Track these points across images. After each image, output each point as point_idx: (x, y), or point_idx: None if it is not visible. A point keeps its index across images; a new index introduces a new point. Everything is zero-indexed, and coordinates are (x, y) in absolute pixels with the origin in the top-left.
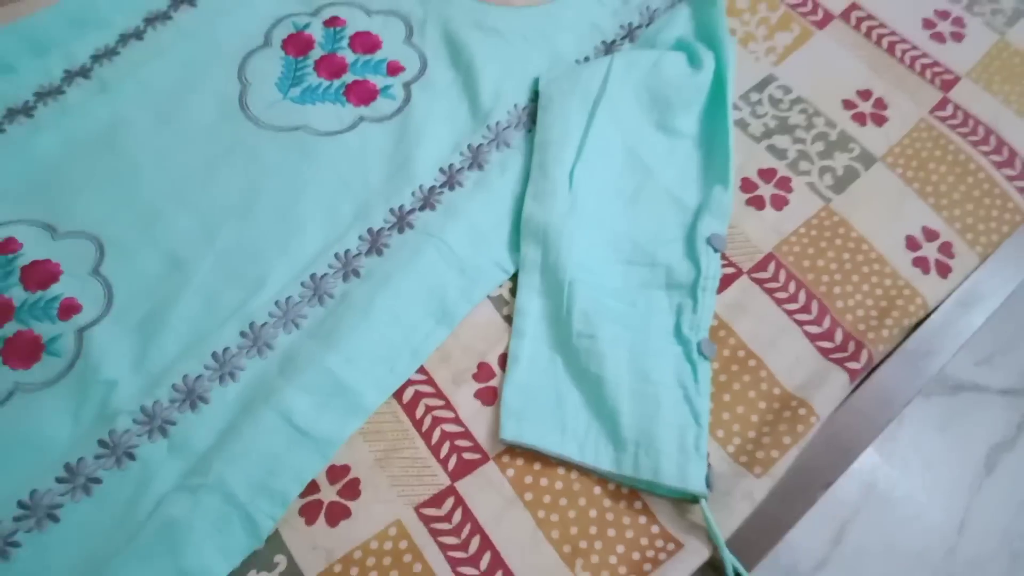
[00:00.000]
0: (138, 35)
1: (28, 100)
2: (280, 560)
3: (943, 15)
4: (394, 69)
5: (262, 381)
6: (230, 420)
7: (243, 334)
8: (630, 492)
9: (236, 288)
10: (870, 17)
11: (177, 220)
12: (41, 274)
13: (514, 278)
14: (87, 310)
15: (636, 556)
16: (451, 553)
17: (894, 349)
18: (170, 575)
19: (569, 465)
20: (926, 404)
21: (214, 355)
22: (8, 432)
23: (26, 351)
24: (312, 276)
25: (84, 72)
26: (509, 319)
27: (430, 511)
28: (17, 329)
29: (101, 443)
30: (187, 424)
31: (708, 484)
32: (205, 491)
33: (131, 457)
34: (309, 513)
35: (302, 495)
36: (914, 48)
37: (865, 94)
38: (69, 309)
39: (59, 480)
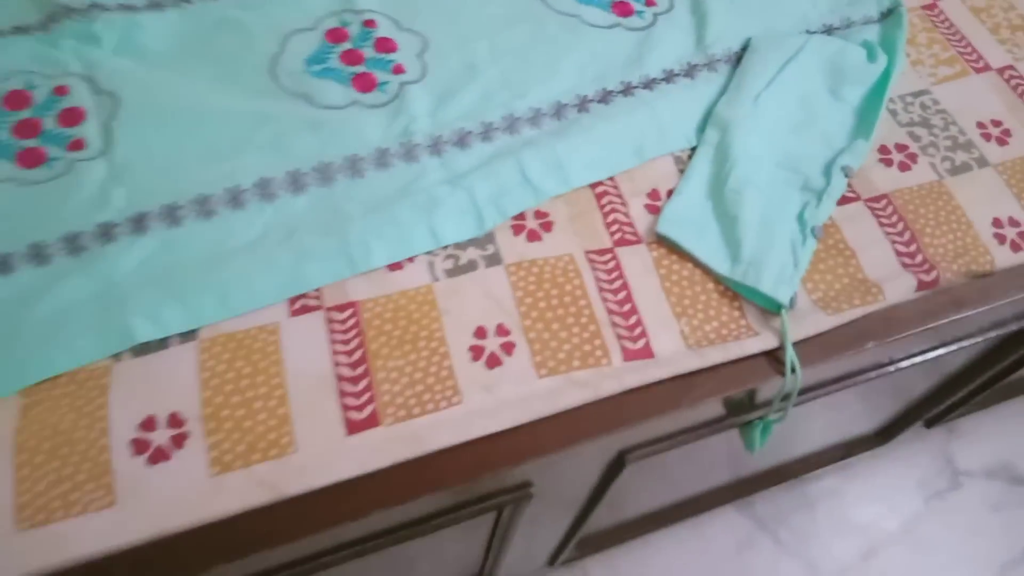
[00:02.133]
0: None
1: None
2: (490, 247)
3: None
4: (650, 2)
5: (510, 147)
6: (483, 160)
7: (504, 118)
8: (733, 293)
9: (505, 93)
10: (1021, 78)
11: (480, 43)
12: (386, 45)
13: (693, 150)
14: (408, 74)
15: (723, 330)
16: (601, 284)
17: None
18: (423, 227)
19: (695, 262)
20: (987, 483)
21: (482, 123)
22: (345, 125)
23: (367, 83)
24: (558, 102)
25: None
26: (682, 171)
27: (594, 257)
28: (364, 70)
29: (401, 144)
30: (455, 154)
31: (791, 304)
32: (458, 190)
33: (415, 160)
34: (516, 229)
35: (515, 217)
36: None
37: (996, 123)
38: (398, 70)
39: (370, 155)
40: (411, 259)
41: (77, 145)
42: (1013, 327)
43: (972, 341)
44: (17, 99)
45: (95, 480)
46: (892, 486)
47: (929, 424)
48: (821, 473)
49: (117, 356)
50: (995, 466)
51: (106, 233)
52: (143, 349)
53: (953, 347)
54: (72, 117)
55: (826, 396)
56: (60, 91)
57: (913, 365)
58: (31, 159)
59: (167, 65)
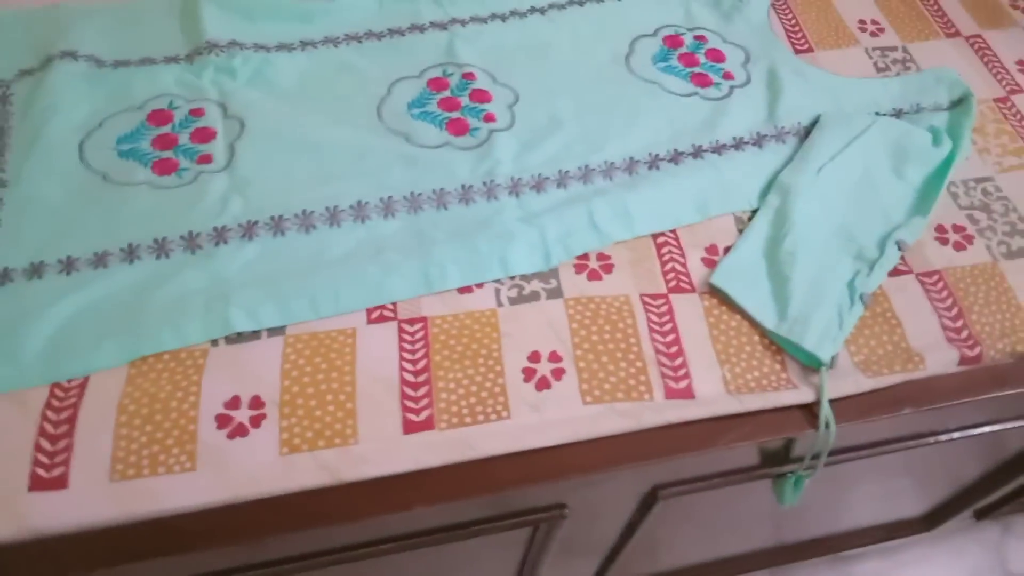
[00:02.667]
0: (580, 3)
1: (505, 13)
2: (553, 281)
3: None
4: (728, 76)
5: (582, 195)
6: (556, 204)
7: (579, 168)
8: (777, 347)
9: (584, 146)
10: None
11: (565, 100)
12: (481, 96)
13: (753, 212)
14: (498, 123)
15: (764, 380)
16: (652, 326)
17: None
18: (495, 257)
19: (743, 315)
20: None
21: (559, 172)
22: (436, 163)
23: (460, 128)
24: (631, 158)
25: (542, 11)
26: (741, 231)
27: (648, 300)
28: (459, 116)
29: (484, 184)
30: (531, 196)
31: (832, 363)
32: (531, 227)
33: (496, 198)
34: (579, 268)
35: (580, 257)
36: None
37: None
38: (489, 118)
39: (456, 190)
40: (481, 285)
41: (205, 159)
42: None
43: (1017, 424)
44: (160, 117)
45: (181, 446)
46: None
47: (979, 516)
48: (866, 553)
49: (215, 342)
50: None
51: (220, 235)
52: (238, 338)
53: (997, 427)
54: (204, 135)
55: (866, 460)
56: (196, 113)
57: (953, 440)
58: (165, 167)
59: (289, 98)
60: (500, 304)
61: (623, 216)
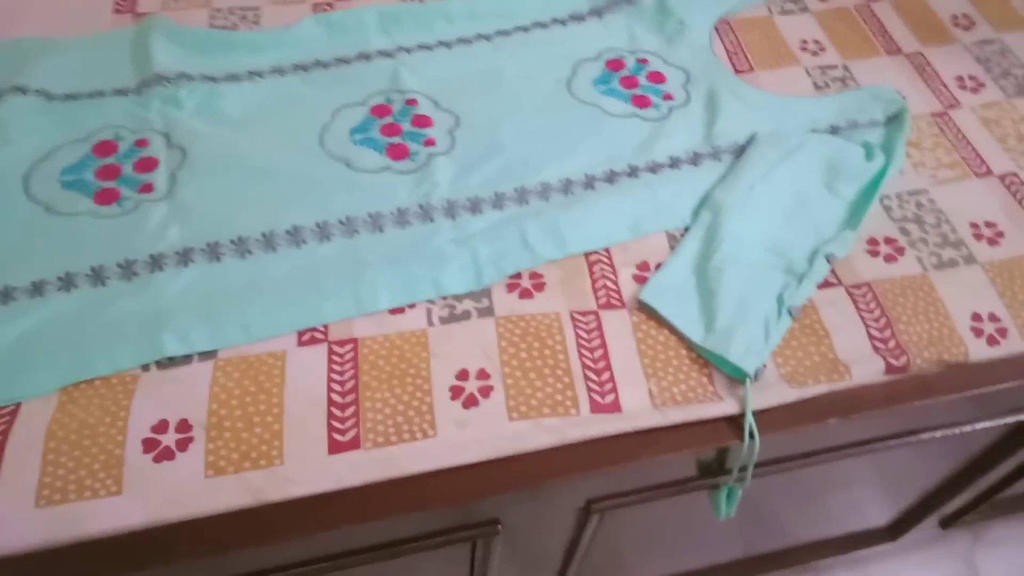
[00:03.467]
0: (525, 29)
1: (451, 40)
2: (485, 301)
3: None
4: (668, 97)
5: (517, 215)
6: (491, 225)
7: (515, 190)
8: (703, 360)
9: (522, 169)
10: (1022, 184)
11: (506, 125)
12: (422, 121)
13: (685, 230)
14: (438, 146)
15: (690, 393)
16: (580, 342)
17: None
18: (427, 278)
19: (671, 329)
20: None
21: (495, 193)
22: (375, 187)
23: (400, 152)
24: (567, 179)
25: (488, 37)
26: (672, 248)
27: (578, 317)
28: (399, 141)
29: (420, 207)
30: (466, 218)
31: (756, 375)
32: (464, 248)
33: (431, 220)
34: (510, 287)
35: (512, 276)
36: None
37: (990, 224)
38: (429, 143)
39: (392, 213)
40: (413, 305)
41: (147, 188)
42: (1011, 419)
43: (955, 431)
44: (105, 148)
45: (107, 471)
46: None
47: (945, 525)
48: (834, 564)
49: (146, 367)
50: None
51: (156, 262)
52: (169, 363)
53: (935, 434)
54: (146, 165)
55: (822, 466)
56: (141, 143)
57: (890, 450)
58: (107, 197)
59: (234, 127)
60: (431, 324)
61: (555, 236)
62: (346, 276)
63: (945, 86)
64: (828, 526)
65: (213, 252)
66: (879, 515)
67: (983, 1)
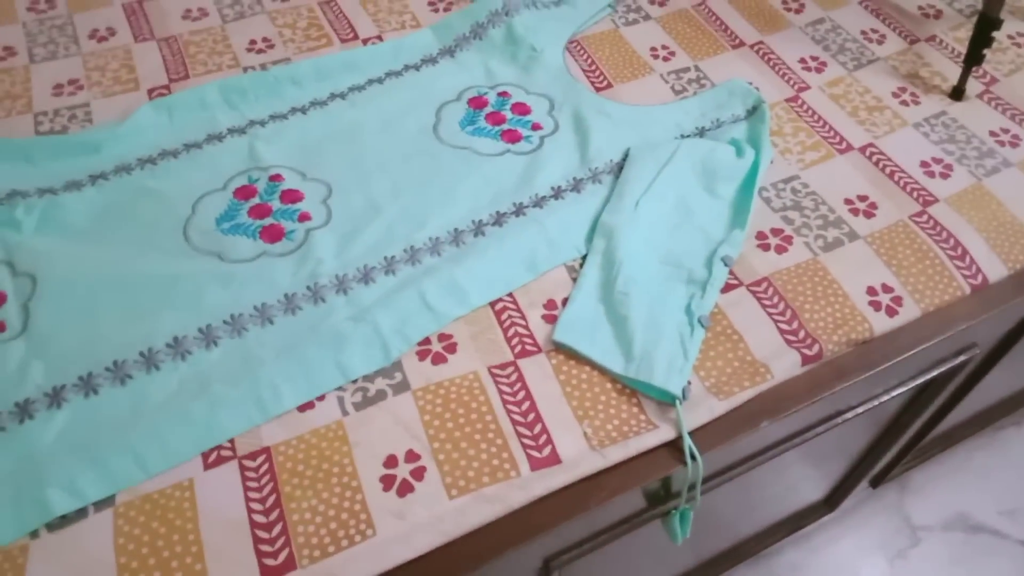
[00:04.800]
0: (380, 80)
1: (305, 104)
2: (398, 375)
3: (937, 160)
4: (536, 127)
5: (411, 277)
6: (386, 293)
7: (405, 251)
8: (631, 391)
9: (406, 226)
10: (881, 153)
11: (380, 183)
12: (292, 196)
13: (584, 258)
14: (314, 220)
15: (624, 427)
16: (505, 398)
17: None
18: (331, 364)
19: (592, 365)
20: (946, 536)
21: (385, 258)
22: (254, 276)
23: (275, 234)
24: (455, 229)
25: (342, 95)
26: (574, 280)
27: (497, 371)
28: (272, 222)
29: (308, 288)
30: (360, 290)
31: (684, 394)
32: (363, 324)
33: (323, 300)
34: (421, 355)
35: (420, 343)
36: (909, 177)
37: (862, 198)
38: (304, 218)
39: (279, 301)
40: (322, 397)
41: None
42: (920, 380)
43: (873, 404)
44: None
45: None
46: (855, 552)
47: (875, 483)
48: (782, 547)
49: (35, 533)
50: (951, 517)
51: (24, 410)
52: (61, 522)
53: (857, 411)
54: None
55: (743, 475)
56: None
57: (819, 435)
58: None
59: (86, 239)
60: (345, 413)
61: (455, 291)
62: (242, 380)
63: (791, 70)
64: (771, 513)
65: (87, 385)
66: (815, 491)
67: None
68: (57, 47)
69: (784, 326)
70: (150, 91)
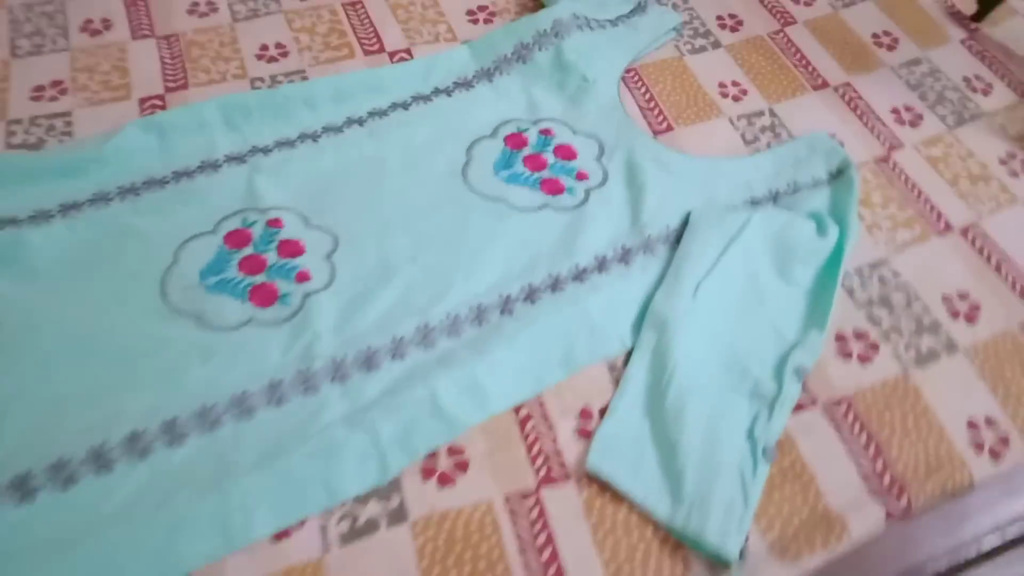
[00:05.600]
0: (405, 106)
1: (317, 130)
2: (395, 499)
3: None
4: (581, 176)
5: (423, 366)
6: (391, 386)
7: (418, 329)
8: (676, 541)
9: (422, 296)
10: (985, 236)
11: (397, 237)
12: (291, 248)
13: (629, 353)
14: (315, 281)
15: None
16: (522, 541)
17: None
18: (318, 480)
19: (631, 503)
20: None
21: (393, 338)
22: (238, 350)
23: (266, 297)
24: (479, 304)
25: (360, 121)
26: (617, 381)
27: (515, 504)
28: (264, 281)
29: (299, 373)
30: (360, 380)
31: (741, 555)
32: (360, 430)
33: (315, 390)
34: (426, 472)
35: (426, 457)
36: (1019, 271)
37: (963, 295)
38: (303, 277)
39: (263, 388)
40: (302, 522)
41: None
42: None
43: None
44: None
45: None
46: None
47: None
48: None
49: None
50: None
51: None
52: None
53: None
54: None
55: None
56: None
57: None
58: None
59: (47, 286)
60: (328, 548)
61: (474, 391)
62: (207, 495)
63: (882, 122)
64: None
65: (22, 489)
66: None
67: (900, 13)
68: (44, 39)
69: (865, 465)
70: (142, 101)
